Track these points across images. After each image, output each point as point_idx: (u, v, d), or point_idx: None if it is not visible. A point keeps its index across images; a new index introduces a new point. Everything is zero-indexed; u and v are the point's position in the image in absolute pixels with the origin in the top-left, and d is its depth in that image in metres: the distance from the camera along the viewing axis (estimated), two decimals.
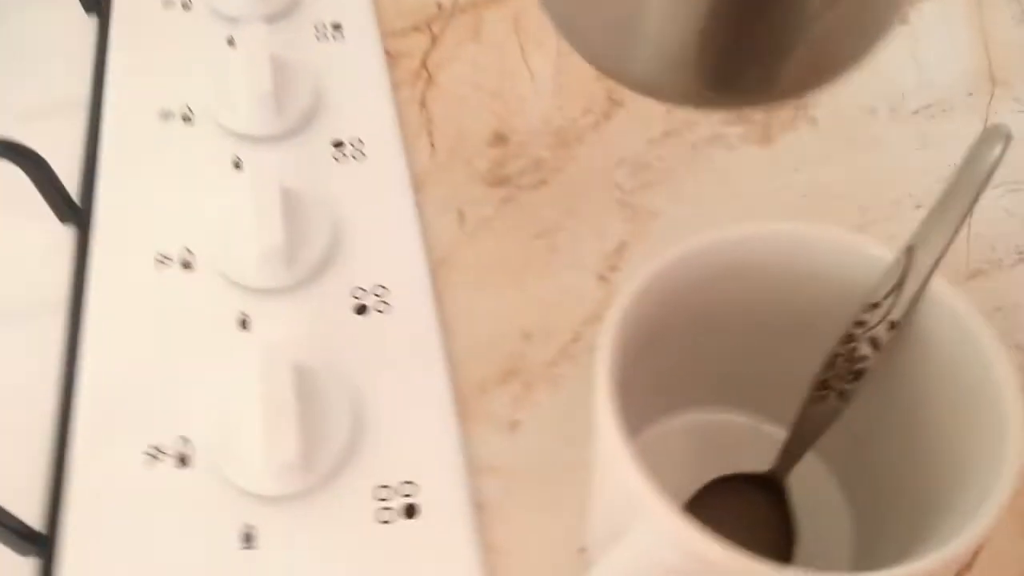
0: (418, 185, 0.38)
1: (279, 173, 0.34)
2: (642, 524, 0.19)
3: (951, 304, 0.21)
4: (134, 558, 0.27)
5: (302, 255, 0.33)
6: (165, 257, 0.34)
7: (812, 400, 0.23)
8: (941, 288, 0.21)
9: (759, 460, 0.26)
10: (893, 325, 0.22)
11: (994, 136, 0.20)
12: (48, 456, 0.29)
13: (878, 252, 0.22)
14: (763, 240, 0.23)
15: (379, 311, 0.33)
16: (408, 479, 0.29)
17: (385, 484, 0.29)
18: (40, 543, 0.27)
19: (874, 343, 0.22)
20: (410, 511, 0.28)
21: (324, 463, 0.28)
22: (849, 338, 0.23)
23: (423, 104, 0.42)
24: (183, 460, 0.29)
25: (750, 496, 0.25)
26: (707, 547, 0.18)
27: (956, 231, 0.21)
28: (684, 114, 0.40)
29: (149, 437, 0.29)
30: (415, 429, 0.30)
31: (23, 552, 0.27)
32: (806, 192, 0.38)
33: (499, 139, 0.41)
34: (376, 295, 0.33)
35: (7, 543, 0.26)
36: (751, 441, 0.27)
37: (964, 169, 0.21)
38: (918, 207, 0.38)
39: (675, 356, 0.25)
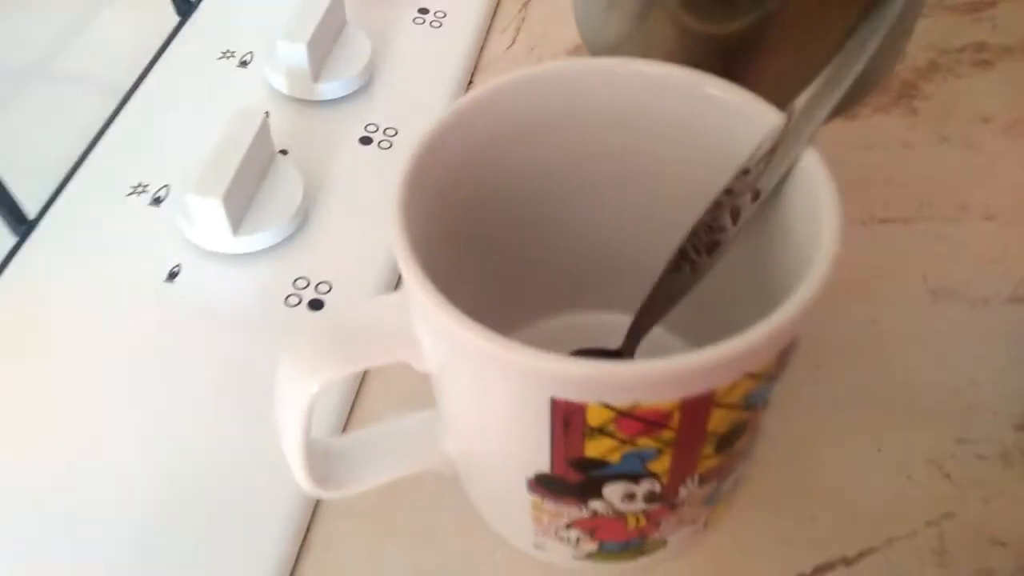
0: (480, 68, 0.40)
1: (350, 8, 0.37)
2: (404, 292, 0.19)
3: (814, 175, 0.19)
4: (85, 262, 0.31)
5: (331, 77, 0.35)
6: (229, 54, 0.38)
7: (667, 271, 0.22)
8: (812, 160, 0.19)
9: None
10: (756, 196, 0.20)
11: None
12: (69, 167, 0.34)
13: (756, 110, 0.20)
14: (600, 80, 0.20)
15: (381, 147, 0.35)
16: (328, 280, 0.30)
17: (306, 276, 0.30)
18: (25, 225, 0.31)
19: (734, 214, 0.20)
20: (315, 305, 0.29)
21: (255, 233, 0.30)
22: (716, 206, 0.21)
23: (525, 5, 0.43)
24: (157, 201, 0.32)
25: None
26: (442, 315, 0.17)
27: (841, 96, 0.19)
28: None
29: (142, 176, 0.33)
30: (355, 247, 0.31)
31: (12, 228, 0.31)
32: (864, 173, 0.35)
33: (579, 50, 0.41)
34: (386, 133, 0.35)
35: (3, 216, 0.31)
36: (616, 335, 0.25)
37: (864, 25, 0.18)
38: (988, 219, 0.33)
39: (516, 243, 0.24)
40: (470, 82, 0.39)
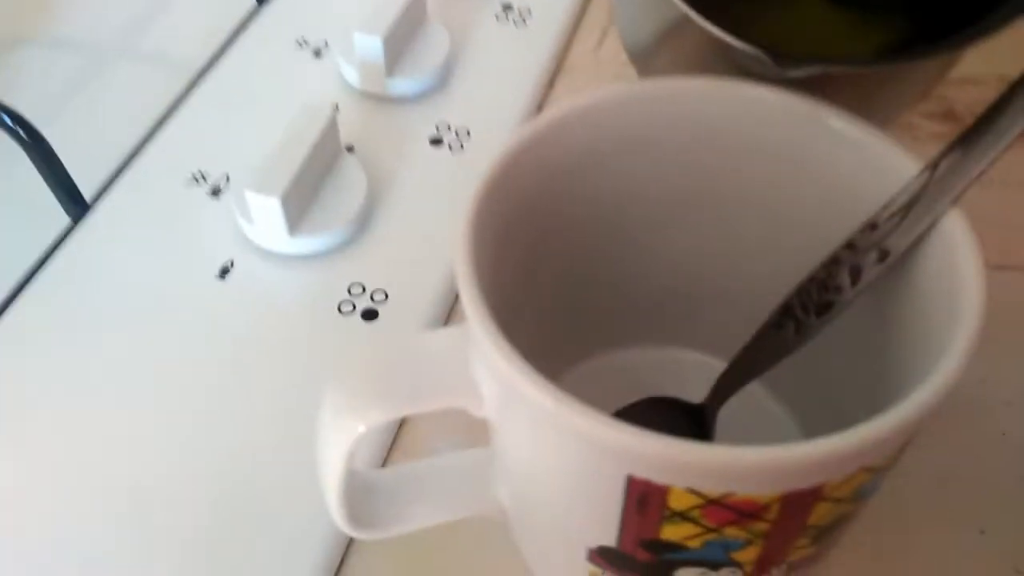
0: (563, 71, 0.37)
1: (431, 1, 0.35)
2: (465, 329, 0.17)
3: (956, 241, 0.16)
4: (136, 251, 0.29)
5: (405, 72, 0.33)
6: (304, 43, 0.36)
7: (767, 327, 0.19)
8: (955, 222, 0.16)
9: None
10: (884, 256, 0.17)
11: None
12: (131, 149, 0.32)
13: (895, 157, 0.17)
14: (711, 101, 0.18)
15: (452, 149, 0.33)
16: (384, 289, 0.28)
17: (361, 283, 0.28)
18: (80, 207, 0.30)
19: (855, 274, 0.17)
20: (369, 315, 0.28)
21: (313, 235, 0.28)
22: (833, 262, 0.18)
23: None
24: (215, 192, 0.31)
25: (675, 423, 0.21)
26: (511, 371, 0.15)
27: (999, 153, 0.16)
28: None
29: (202, 165, 0.31)
30: (415, 255, 0.29)
31: (67, 210, 0.30)
32: (980, 213, 0.31)
33: None
34: (457, 135, 0.33)
35: (59, 198, 0.30)
36: (704, 378, 0.23)
37: None
38: None
39: (592, 270, 0.21)
40: (550, 85, 0.37)
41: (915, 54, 0.19)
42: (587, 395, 0.22)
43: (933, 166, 0.16)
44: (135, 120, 0.34)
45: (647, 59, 0.25)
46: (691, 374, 0.24)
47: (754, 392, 0.23)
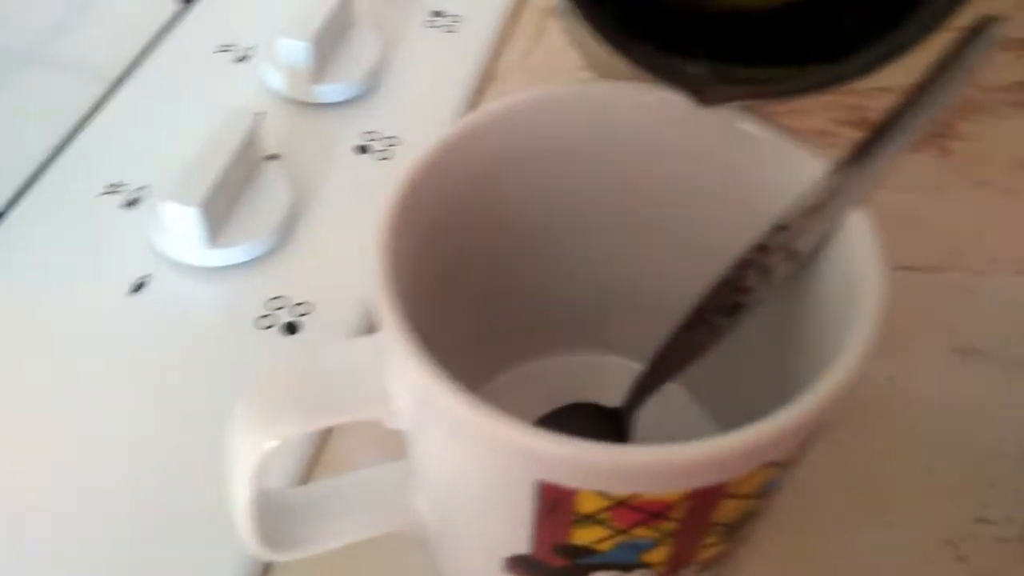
0: (492, 79, 0.37)
1: (359, 6, 0.35)
2: (381, 338, 0.17)
3: (859, 242, 0.16)
4: (45, 266, 0.28)
5: (333, 78, 0.33)
6: (228, 47, 0.35)
7: (680, 329, 0.19)
8: (859, 223, 0.16)
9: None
10: (792, 257, 0.17)
11: (985, 31, 0.15)
12: (45, 157, 0.31)
13: (804, 159, 0.17)
14: (626, 108, 0.18)
15: (378, 158, 0.32)
16: (307, 301, 0.28)
17: (283, 295, 0.28)
18: None
19: (764, 275, 0.18)
20: (291, 328, 0.27)
21: (233, 245, 0.28)
22: (743, 264, 0.18)
23: (547, 15, 0.41)
24: (131, 203, 0.30)
25: (595, 427, 0.21)
26: (423, 374, 0.15)
27: (902, 150, 0.16)
28: None
29: (120, 175, 0.31)
30: (340, 266, 0.29)
31: None
32: (887, 215, 0.32)
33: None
34: (385, 143, 0.33)
35: None
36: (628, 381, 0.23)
37: (935, 71, 0.16)
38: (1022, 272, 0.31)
39: (513, 277, 0.21)
40: (480, 92, 0.36)
41: (840, 76, 0.19)
42: (511, 403, 0.21)
43: (839, 169, 0.17)
44: (49, 128, 0.32)
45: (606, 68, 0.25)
46: (614, 378, 0.24)
47: (674, 393, 0.23)
